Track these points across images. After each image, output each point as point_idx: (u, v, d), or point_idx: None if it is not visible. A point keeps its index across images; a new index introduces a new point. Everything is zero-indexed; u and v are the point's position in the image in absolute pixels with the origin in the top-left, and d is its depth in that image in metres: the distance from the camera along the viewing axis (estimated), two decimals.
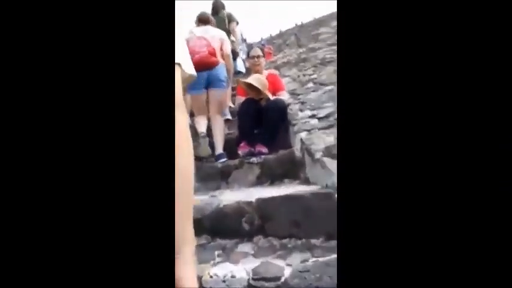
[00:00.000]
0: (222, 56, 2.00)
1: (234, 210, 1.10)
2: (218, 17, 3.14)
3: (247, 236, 1.05)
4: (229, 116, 2.37)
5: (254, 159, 1.58)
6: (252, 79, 1.85)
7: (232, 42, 3.06)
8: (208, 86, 1.91)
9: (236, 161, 1.64)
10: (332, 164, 1.09)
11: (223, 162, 1.69)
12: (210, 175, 1.69)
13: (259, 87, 1.79)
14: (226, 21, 3.21)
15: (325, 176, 1.10)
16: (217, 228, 1.11)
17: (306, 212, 0.95)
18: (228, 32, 3.07)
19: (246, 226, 1.07)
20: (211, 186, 1.68)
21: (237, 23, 3.40)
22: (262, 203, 1.06)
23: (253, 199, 1.11)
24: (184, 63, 0.45)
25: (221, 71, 1.91)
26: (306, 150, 1.35)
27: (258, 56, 2.04)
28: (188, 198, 0.41)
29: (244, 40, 3.90)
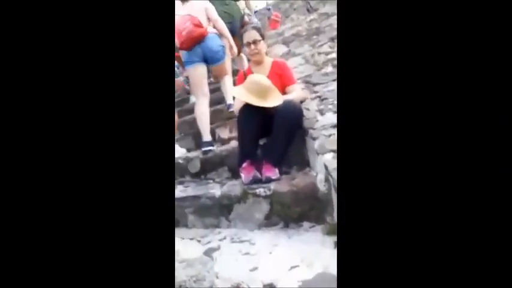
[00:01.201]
0: (214, 25, 1.92)
1: None
2: None
3: None
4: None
5: (261, 191, 1.18)
6: (246, 90, 1.33)
7: (248, 15, 2.71)
8: (206, 61, 1.85)
9: (238, 191, 1.25)
10: None
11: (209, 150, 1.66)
12: (208, 208, 1.32)
13: (257, 103, 1.29)
14: None
15: None
16: None
17: None
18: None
19: None
20: (209, 223, 1.32)
21: None
22: None
23: (259, 285, 0.73)
24: None
25: (213, 41, 1.83)
26: (334, 186, 0.92)
27: (255, 42, 1.47)
28: None
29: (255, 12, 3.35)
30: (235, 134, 1.88)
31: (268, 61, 1.55)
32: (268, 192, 1.16)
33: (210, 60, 1.84)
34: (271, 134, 1.32)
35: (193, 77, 1.86)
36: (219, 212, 1.29)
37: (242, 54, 2.53)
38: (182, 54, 1.92)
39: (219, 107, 2.19)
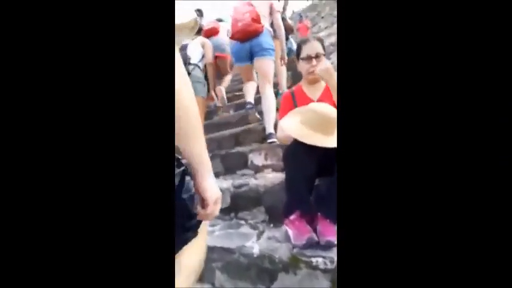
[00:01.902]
0: (272, 23, 1.86)
1: None
2: None
3: None
4: (285, 88, 2.11)
5: (320, 262, 0.87)
6: (304, 123, 0.99)
7: (283, 19, 2.40)
8: (252, 56, 1.79)
9: (284, 254, 0.94)
10: None
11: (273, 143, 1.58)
12: (242, 269, 1.02)
13: (318, 141, 0.96)
14: None
15: None
16: None
17: None
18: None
19: None
20: None
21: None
22: None
23: None
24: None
25: (265, 39, 1.74)
26: None
27: (318, 56, 1.18)
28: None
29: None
30: (271, 161, 1.58)
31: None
32: (329, 265, 0.85)
33: (256, 54, 1.75)
34: (330, 175, 1.01)
35: (243, 72, 1.93)
36: (256, 277, 0.99)
37: (283, 68, 2.14)
38: (232, 44, 1.83)
39: (251, 126, 1.91)
